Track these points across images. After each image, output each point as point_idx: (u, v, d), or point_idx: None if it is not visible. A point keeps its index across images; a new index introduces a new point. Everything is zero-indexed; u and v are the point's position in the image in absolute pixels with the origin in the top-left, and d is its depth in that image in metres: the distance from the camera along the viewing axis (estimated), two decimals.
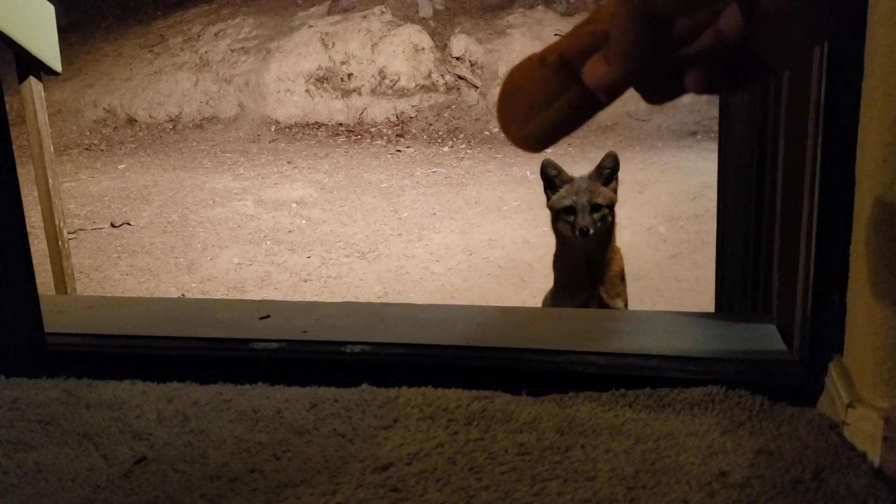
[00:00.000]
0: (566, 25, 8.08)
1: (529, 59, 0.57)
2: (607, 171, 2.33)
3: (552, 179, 2.38)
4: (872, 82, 1.05)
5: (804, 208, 1.22)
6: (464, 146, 7.12)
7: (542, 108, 0.55)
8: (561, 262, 2.46)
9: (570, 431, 1.14)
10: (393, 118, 7.67)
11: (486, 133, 7.35)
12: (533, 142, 0.57)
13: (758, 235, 1.61)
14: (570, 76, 0.53)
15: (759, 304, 1.60)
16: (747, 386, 1.21)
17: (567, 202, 2.30)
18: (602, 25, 0.51)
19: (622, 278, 2.44)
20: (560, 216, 2.33)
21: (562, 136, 0.56)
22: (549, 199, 2.39)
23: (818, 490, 0.97)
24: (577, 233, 2.27)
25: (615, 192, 2.35)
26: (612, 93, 0.52)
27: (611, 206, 2.33)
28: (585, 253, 2.35)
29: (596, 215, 2.28)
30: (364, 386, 1.32)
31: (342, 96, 7.87)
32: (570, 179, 2.36)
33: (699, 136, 6.85)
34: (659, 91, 0.52)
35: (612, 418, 1.17)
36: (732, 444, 1.09)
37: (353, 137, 7.47)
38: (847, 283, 1.13)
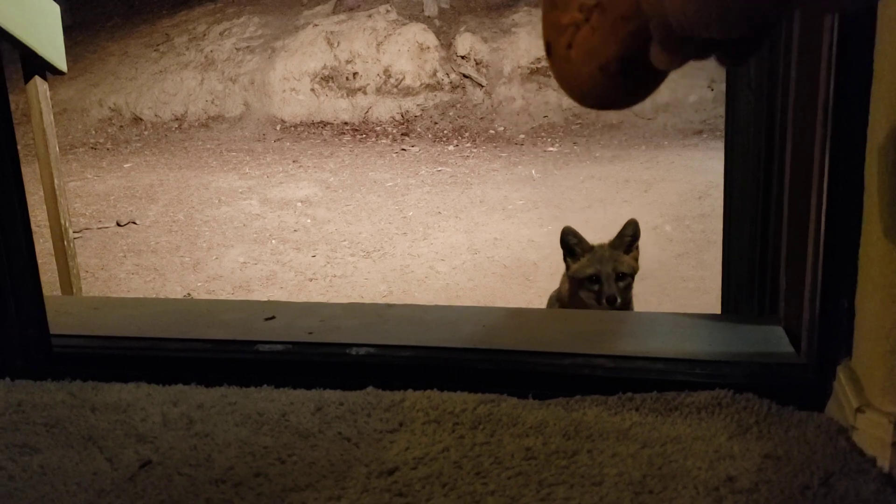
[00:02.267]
0: None
1: (566, 61, 0.56)
2: (628, 239, 2.32)
3: (572, 247, 2.35)
4: (882, 84, 1.04)
5: (812, 210, 1.21)
6: (469, 145, 7.11)
7: (630, 95, 0.56)
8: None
9: (576, 436, 1.14)
10: (398, 117, 7.66)
11: (492, 132, 7.33)
12: (637, 103, 0.58)
13: (765, 236, 1.60)
14: (637, 68, 0.53)
15: (767, 305, 1.59)
16: (755, 389, 1.21)
17: (590, 271, 2.29)
18: (637, 22, 0.50)
19: None
20: (583, 285, 2.31)
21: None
22: (568, 267, 2.37)
23: (827, 496, 0.96)
24: (604, 301, 2.25)
25: (636, 259, 2.34)
26: (691, 59, 0.52)
27: (633, 275, 2.32)
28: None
29: (621, 284, 2.28)
30: (369, 389, 1.32)
31: (347, 95, 7.86)
32: (591, 248, 2.34)
33: (705, 135, 6.83)
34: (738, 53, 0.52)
35: (618, 422, 1.17)
36: (740, 448, 1.08)
37: (359, 136, 7.46)
38: (856, 286, 1.12)
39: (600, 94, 0.56)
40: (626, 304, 2.34)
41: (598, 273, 2.27)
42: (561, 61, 0.57)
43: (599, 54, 0.54)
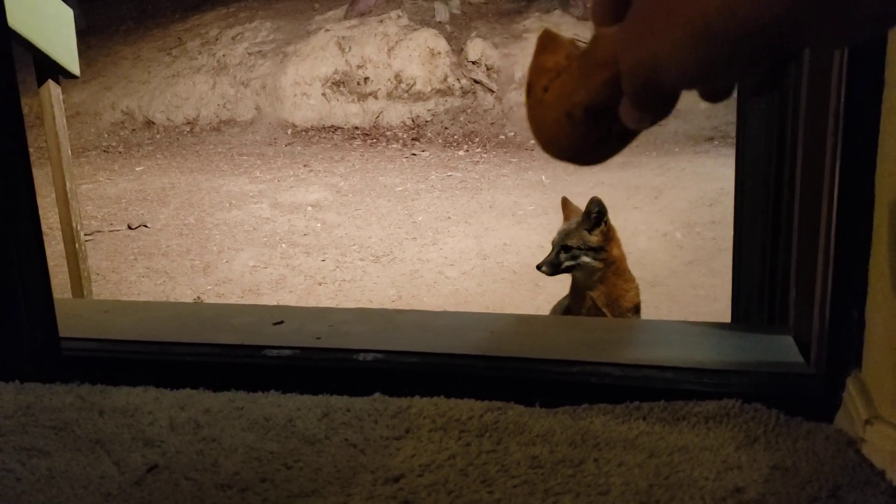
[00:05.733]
0: (582, 30, 8.05)
1: (539, 103, 0.55)
2: (594, 216, 2.47)
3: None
4: (893, 92, 1.04)
5: (822, 220, 1.20)
6: (479, 150, 7.11)
7: (592, 150, 0.55)
8: (572, 292, 2.61)
9: (583, 444, 1.13)
10: (409, 122, 7.68)
11: (502, 137, 7.34)
12: (599, 162, 0.57)
13: (775, 244, 1.59)
14: (603, 121, 0.52)
15: (776, 313, 1.58)
16: (763, 399, 1.20)
17: (553, 238, 2.52)
18: (609, 72, 0.49)
19: (636, 311, 2.54)
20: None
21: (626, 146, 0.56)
22: None
23: None
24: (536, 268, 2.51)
25: (602, 234, 2.47)
26: (660, 118, 0.51)
27: (586, 249, 2.46)
28: (586, 287, 2.50)
29: (563, 255, 2.46)
30: (376, 395, 1.31)
31: (358, 100, 7.88)
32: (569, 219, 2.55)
33: (716, 142, 6.81)
34: (715, 94, 0.50)
35: (625, 431, 1.16)
36: (748, 459, 1.07)
37: (369, 141, 7.48)
38: (866, 296, 1.11)
39: (563, 141, 0.55)
40: (591, 275, 2.48)
41: (552, 242, 2.52)
42: (535, 103, 0.56)
43: (569, 99, 0.52)
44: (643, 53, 0.45)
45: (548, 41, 0.56)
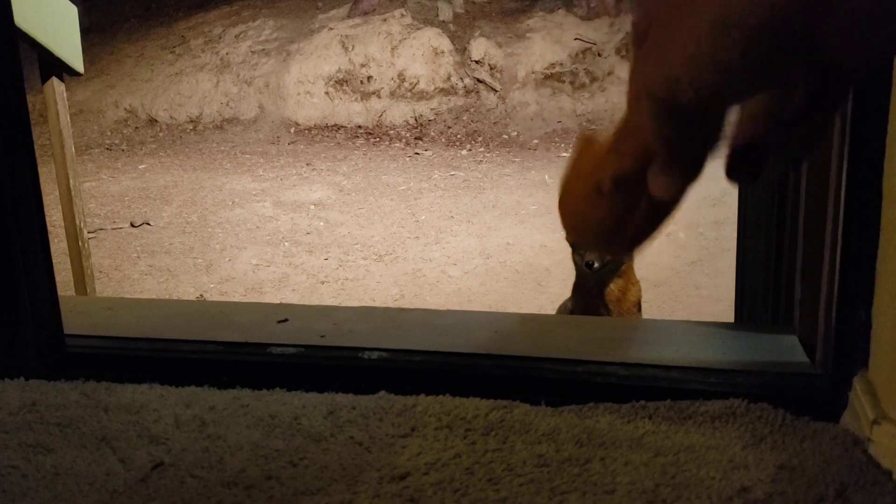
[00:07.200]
0: (586, 30, 8.05)
1: (576, 180, 0.54)
2: None
3: None
4: None
5: (829, 220, 1.20)
6: (482, 149, 7.11)
7: (620, 229, 0.53)
8: (578, 290, 2.59)
9: (589, 443, 1.13)
10: (412, 121, 7.67)
11: (505, 137, 7.33)
12: (631, 247, 0.56)
13: (780, 244, 1.58)
14: (632, 193, 0.51)
15: (781, 314, 1.58)
16: (769, 399, 1.20)
17: None
18: (638, 138, 0.49)
19: (638, 308, 2.55)
20: (575, 249, 2.50)
21: (657, 232, 0.54)
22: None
23: None
24: (584, 266, 2.45)
25: None
26: (687, 187, 0.50)
27: None
28: (599, 283, 2.49)
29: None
30: (381, 393, 1.31)
31: (361, 99, 7.88)
32: None
33: (720, 141, 6.80)
34: (746, 174, 0.50)
35: (631, 430, 1.16)
36: (754, 458, 1.07)
37: (372, 140, 7.48)
38: (873, 297, 1.11)
39: (592, 217, 0.53)
40: (615, 271, 2.47)
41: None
42: (568, 195, 0.55)
43: (601, 169, 0.51)
44: (659, 65, 0.45)
45: (586, 144, 0.55)
